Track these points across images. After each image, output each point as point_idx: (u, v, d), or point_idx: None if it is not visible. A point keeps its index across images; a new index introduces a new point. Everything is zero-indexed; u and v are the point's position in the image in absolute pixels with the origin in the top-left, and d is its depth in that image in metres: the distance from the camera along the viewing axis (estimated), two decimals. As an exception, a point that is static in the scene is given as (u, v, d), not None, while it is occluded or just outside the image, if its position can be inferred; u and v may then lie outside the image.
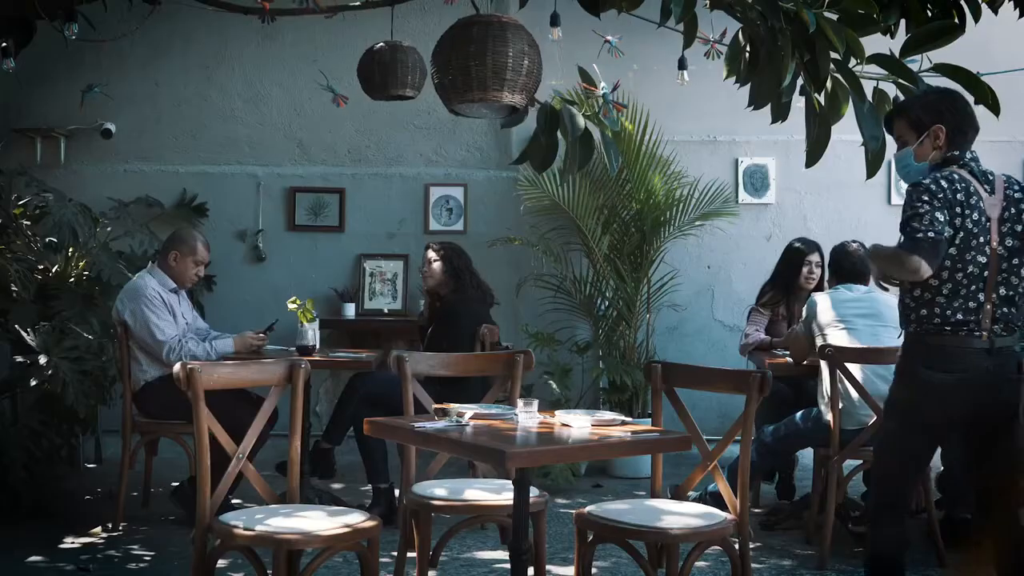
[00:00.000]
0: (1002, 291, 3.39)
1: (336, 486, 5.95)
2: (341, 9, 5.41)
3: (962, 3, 3.79)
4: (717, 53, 5.31)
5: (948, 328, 3.39)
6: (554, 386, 6.77)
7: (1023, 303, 3.44)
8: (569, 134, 4.01)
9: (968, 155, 3.43)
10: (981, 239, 3.37)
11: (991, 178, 3.43)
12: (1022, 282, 3.42)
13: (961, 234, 3.36)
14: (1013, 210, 3.41)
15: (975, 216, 3.36)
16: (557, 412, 3.54)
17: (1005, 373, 3.40)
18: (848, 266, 5.09)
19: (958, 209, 3.34)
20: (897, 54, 3.49)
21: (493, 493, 3.81)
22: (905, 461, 3.58)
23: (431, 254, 5.79)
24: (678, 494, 3.90)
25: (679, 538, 3.42)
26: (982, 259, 3.38)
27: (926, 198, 3.35)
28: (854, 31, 3.34)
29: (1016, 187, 3.45)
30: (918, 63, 3.52)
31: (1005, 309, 3.39)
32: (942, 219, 3.32)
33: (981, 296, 3.37)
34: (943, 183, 3.35)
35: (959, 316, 3.38)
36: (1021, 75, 6.11)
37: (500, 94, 3.76)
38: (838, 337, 4.86)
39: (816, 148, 3.58)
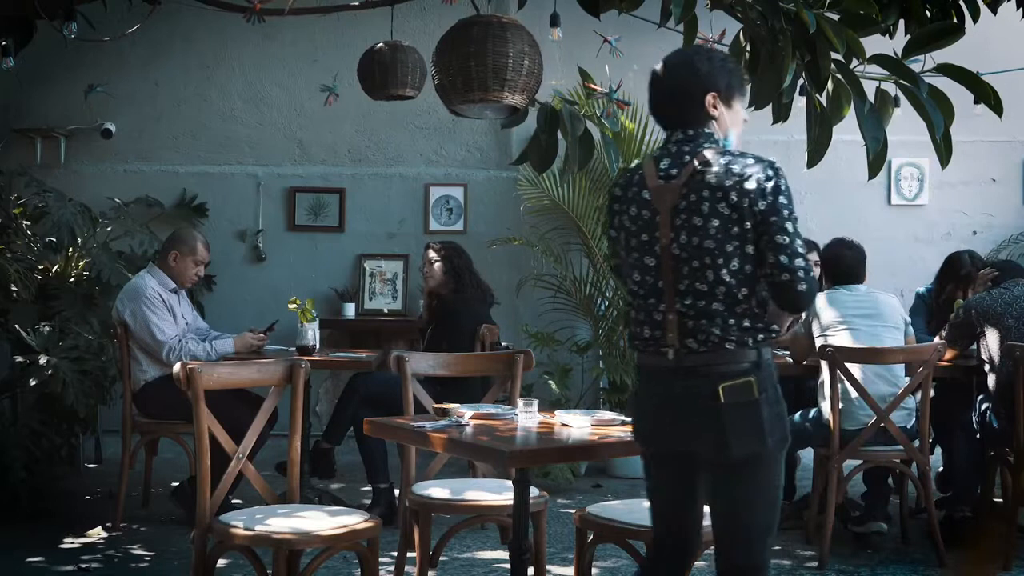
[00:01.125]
0: (688, 300, 2.72)
1: (336, 486, 5.95)
2: (339, 9, 5.41)
3: (961, 3, 3.78)
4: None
5: (640, 344, 2.83)
6: (554, 386, 6.77)
7: (734, 313, 2.71)
8: (569, 134, 4.01)
9: (678, 135, 2.82)
10: (644, 236, 2.78)
11: (687, 159, 2.75)
12: (718, 288, 2.70)
13: (622, 234, 2.85)
14: (694, 197, 2.70)
15: (632, 211, 2.80)
16: (557, 412, 3.54)
17: (698, 399, 2.71)
18: (843, 268, 5.08)
19: (620, 206, 2.86)
20: (898, 55, 3.49)
21: (493, 493, 3.81)
22: (653, 501, 2.98)
23: (432, 254, 5.79)
24: (678, 494, 3.89)
25: (679, 538, 3.41)
26: (650, 261, 2.77)
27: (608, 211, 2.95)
28: (854, 31, 3.34)
29: (715, 168, 2.71)
30: (920, 64, 3.51)
31: (704, 321, 2.70)
32: (608, 231, 2.94)
33: (663, 306, 2.75)
34: (612, 188, 2.94)
35: (646, 332, 2.79)
36: (1021, 75, 6.13)
37: (501, 94, 3.76)
38: (839, 337, 4.86)
39: (817, 149, 3.57)
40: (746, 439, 2.70)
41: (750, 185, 2.68)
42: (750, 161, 2.72)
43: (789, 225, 2.70)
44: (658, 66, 2.92)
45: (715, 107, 2.82)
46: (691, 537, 2.95)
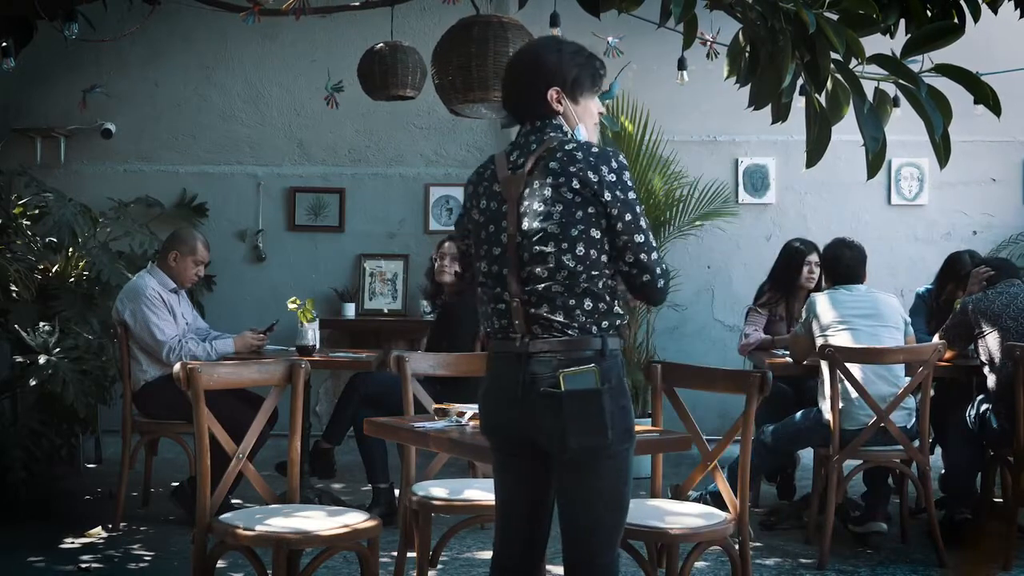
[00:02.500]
0: (530, 287, 2.67)
1: (336, 486, 5.95)
2: (339, 9, 5.41)
3: (962, 3, 3.78)
4: (715, 52, 5.32)
5: (492, 333, 2.79)
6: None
7: (576, 296, 2.65)
8: (569, 134, 4.00)
9: (527, 127, 2.78)
10: (491, 227, 2.75)
11: (533, 148, 2.72)
12: (559, 272, 2.64)
13: (472, 226, 2.83)
14: (537, 183, 2.67)
15: (483, 203, 2.78)
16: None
17: (539, 387, 2.64)
18: (842, 269, 5.09)
19: (472, 201, 2.83)
20: (898, 54, 3.49)
21: (493, 493, 3.80)
22: (501, 505, 2.87)
23: (457, 251, 5.67)
24: (678, 494, 3.90)
25: (679, 538, 3.41)
26: (496, 251, 2.73)
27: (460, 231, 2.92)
28: (854, 31, 3.33)
29: (559, 155, 2.66)
30: (919, 63, 3.51)
31: (545, 307, 2.66)
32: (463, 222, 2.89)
33: (507, 295, 2.70)
34: (464, 191, 2.92)
35: (495, 321, 2.76)
36: (1021, 75, 6.13)
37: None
38: (839, 337, 4.86)
39: (817, 149, 3.57)
40: (586, 431, 2.62)
41: (594, 175, 2.63)
42: (595, 150, 2.68)
43: (642, 222, 2.67)
44: (510, 63, 2.89)
45: (559, 102, 2.76)
46: (535, 551, 2.83)
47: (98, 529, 5.15)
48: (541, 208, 2.66)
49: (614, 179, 2.64)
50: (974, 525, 4.95)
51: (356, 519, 3.43)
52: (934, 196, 7.63)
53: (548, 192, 2.65)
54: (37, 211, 6.37)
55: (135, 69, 7.78)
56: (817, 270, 5.66)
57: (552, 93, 2.74)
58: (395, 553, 4.06)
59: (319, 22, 7.20)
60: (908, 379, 4.85)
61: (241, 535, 3.31)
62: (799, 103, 3.59)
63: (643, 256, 2.67)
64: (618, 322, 2.71)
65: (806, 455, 5.58)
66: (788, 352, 5.29)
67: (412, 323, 7.61)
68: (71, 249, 6.25)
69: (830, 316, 4.95)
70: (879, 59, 3.41)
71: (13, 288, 5.74)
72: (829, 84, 3.43)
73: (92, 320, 5.94)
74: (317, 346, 5.42)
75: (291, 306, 5.37)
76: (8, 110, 7.72)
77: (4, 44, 5.41)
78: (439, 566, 4.30)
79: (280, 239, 7.83)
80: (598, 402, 2.63)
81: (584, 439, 2.63)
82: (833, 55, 3.35)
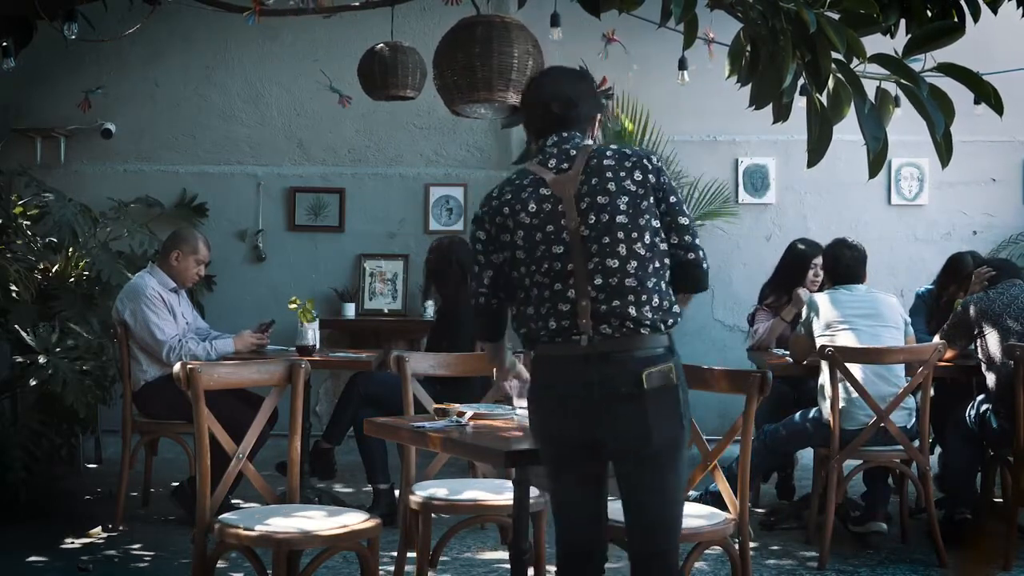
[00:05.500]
0: (599, 280, 2.71)
1: (336, 486, 5.95)
2: (339, 10, 5.41)
3: (962, 3, 3.78)
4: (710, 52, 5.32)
5: (546, 336, 2.77)
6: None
7: (647, 291, 2.72)
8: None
9: (553, 138, 2.89)
10: (549, 227, 2.78)
11: (573, 153, 2.83)
12: (629, 263, 2.73)
13: (519, 232, 2.82)
14: (596, 180, 2.78)
15: (532, 207, 2.80)
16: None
17: (616, 387, 2.68)
18: (843, 268, 5.09)
19: (498, 219, 2.85)
20: (899, 54, 3.48)
21: (493, 493, 3.81)
22: (561, 504, 2.90)
23: (426, 255, 5.73)
24: (678, 494, 3.89)
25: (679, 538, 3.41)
26: (558, 248, 2.76)
27: (477, 235, 2.92)
28: (855, 31, 3.33)
29: (609, 153, 2.82)
30: (921, 63, 3.51)
31: (617, 303, 2.70)
32: (487, 258, 2.90)
33: (572, 292, 2.73)
34: (487, 203, 2.90)
35: (552, 323, 2.75)
36: (1021, 75, 6.12)
37: (506, 94, 3.76)
38: (839, 337, 4.86)
39: (818, 148, 3.57)
40: (666, 425, 2.75)
41: (648, 164, 2.83)
42: (634, 148, 2.93)
43: (685, 207, 2.88)
44: (553, 75, 3.06)
45: (596, 124, 3.04)
46: (602, 547, 2.92)
47: (98, 529, 5.15)
48: (606, 200, 2.77)
49: (661, 166, 2.87)
50: (974, 525, 4.95)
51: (356, 519, 3.43)
52: (934, 196, 7.63)
53: (611, 186, 2.79)
54: (37, 211, 6.37)
55: (135, 69, 7.77)
56: (822, 272, 5.65)
57: (599, 116, 3.06)
58: (395, 553, 4.06)
59: (319, 22, 7.19)
60: (908, 379, 4.85)
61: (241, 535, 3.31)
62: (800, 103, 3.59)
63: (687, 237, 2.84)
64: (677, 320, 2.81)
65: (806, 455, 5.58)
66: (788, 352, 5.29)
67: (412, 323, 7.61)
68: (71, 249, 6.25)
69: (830, 316, 4.94)
70: (880, 59, 3.41)
71: (13, 288, 5.74)
72: (830, 84, 3.43)
73: (92, 320, 5.94)
74: (317, 346, 5.42)
75: (291, 306, 5.37)
76: (8, 110, 7.71)
77: (4, 44, 5.41)
78: (439, 566, 4.29)
79: (280, 239, 7.83)
80: (675, 397, 2.78)
81: (666, 434, 2.75)
82: (834, 55, 3.35)
